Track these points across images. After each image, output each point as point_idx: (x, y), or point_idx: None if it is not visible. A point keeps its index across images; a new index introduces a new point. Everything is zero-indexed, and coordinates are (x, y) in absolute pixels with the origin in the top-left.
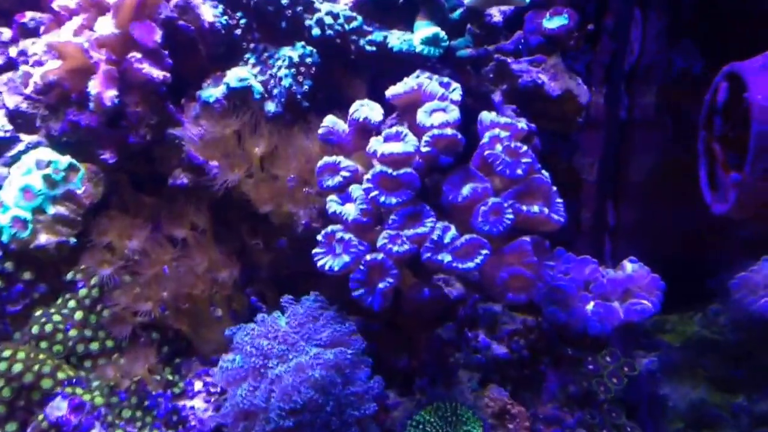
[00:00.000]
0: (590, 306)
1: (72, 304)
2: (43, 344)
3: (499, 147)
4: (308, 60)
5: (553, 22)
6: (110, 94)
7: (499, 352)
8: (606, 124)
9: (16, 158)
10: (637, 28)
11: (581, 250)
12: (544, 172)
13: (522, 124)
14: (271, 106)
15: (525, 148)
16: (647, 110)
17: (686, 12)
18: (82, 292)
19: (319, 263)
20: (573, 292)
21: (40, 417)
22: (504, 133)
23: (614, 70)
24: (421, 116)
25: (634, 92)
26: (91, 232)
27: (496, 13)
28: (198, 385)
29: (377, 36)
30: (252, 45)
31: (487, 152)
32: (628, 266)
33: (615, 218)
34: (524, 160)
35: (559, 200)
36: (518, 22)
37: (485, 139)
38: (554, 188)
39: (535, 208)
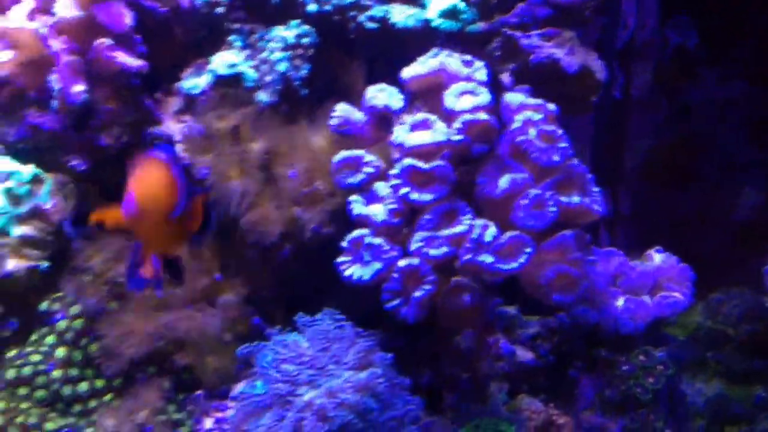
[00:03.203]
0: (620, 302)
1: (51, 339)
2: (23, 390)
3: (532, 132)
4: (305, 41)
5: None
6: (77, 90)
7: (526, 359)
8: (598, 106)
9: None
10: (631, 1)
11: None
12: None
13: (551, 105)
14: (264, 96)
15: (560, 131)
16: (644, 89)
17: None
18: (62, 324)
19: (346, 273)
20: (603, 288)
21: None
22: (536, 116)
23: (605, 45)
24: (450, 100)
25: (631, 70)
26: (67, 253)
27: None
28: (208, 423)
29: (377, 11)
30: (237, 26)
31: (519, 138)
32: (656, 257)
33: (610, 206)
34: (561, 145)
35: (596, 189)
36: None
37: (517, 123)
38: (590, 175)
39: (576, 199)
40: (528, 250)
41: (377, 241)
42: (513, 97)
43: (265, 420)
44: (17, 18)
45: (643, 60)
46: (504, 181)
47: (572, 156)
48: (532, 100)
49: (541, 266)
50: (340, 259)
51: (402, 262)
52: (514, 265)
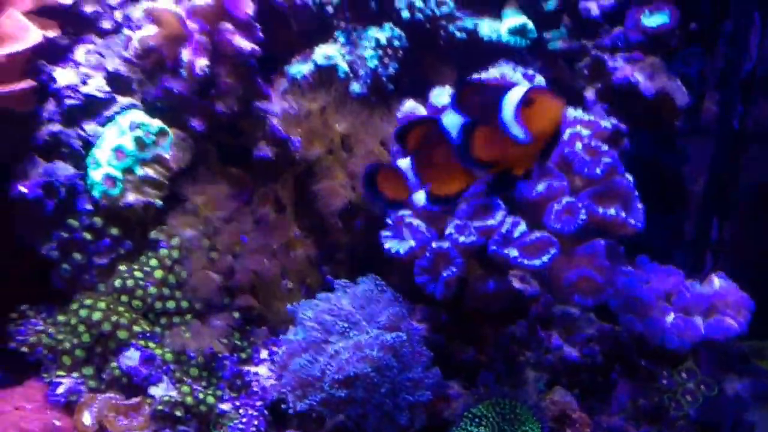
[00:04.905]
0: (669, 318)
1: (153, 262)
2: (124, 298)
3: (579, 145)
4: (396, 43)
5: (652, 20)
6: (201, 63)
7: (571, 356)
8: (718, 133)
9: (111, 119)
10: (755, 34)
11: (681, 263)
12: (627, 175)
13: (606, 122)
14: (356, 87)
15: (605, 147)
16: (763, 122)
17: None
18: (164, 251)
19: (386, 245)
20: (651, 301)
21: (113, 364)
22: (585, 131)
23: (730, 76)
24: None
25: (750, 101)
26: (181, 195)
27: (593, 6)
28: (264, 354)
29: (468, 23)
30: (342, 24)
31: (566, 150)
32: (716, 281)
33: (719, 233)
34: (604, 159)
35: (640, 205)
36: (618, 17)
37: (565, 136)
38: (636, 192)
39: (612, 211)
40: (552, 250)
41: (416, 222)
42: (569, 112)
43: (300, 360)
44: (163, 1)
45: (764, 93)
46: (541, 185)
47: (619, 172)
48: (585, 116)
49: (569, 269)
50: (384, 233)
51: (434, 244)
52: (537, 262)
